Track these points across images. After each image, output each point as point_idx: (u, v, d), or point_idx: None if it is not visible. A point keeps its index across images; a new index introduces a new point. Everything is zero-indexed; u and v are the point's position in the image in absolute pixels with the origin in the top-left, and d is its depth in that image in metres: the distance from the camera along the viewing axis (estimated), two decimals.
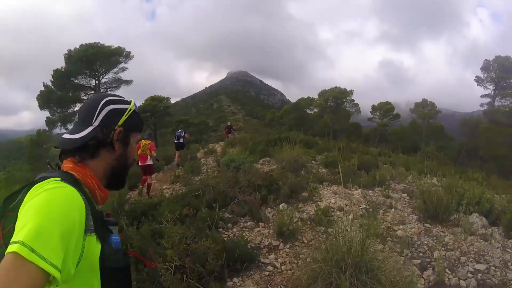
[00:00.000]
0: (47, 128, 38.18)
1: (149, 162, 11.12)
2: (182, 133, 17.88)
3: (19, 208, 1.09)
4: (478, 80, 55.51)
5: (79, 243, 1.09)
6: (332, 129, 59.11)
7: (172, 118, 52.61)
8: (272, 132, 24.61)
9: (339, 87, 63.35)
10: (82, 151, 1.30)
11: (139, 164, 10.86)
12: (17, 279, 0.90)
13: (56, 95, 35.44)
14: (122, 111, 1.37)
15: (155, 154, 11.41)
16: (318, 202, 8.02)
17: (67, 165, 1.29)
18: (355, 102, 63.68)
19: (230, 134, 29.14)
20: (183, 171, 13.63)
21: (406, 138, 55.78)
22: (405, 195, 8.94)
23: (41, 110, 36.01)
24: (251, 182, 8.29)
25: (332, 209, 7.46)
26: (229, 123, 34.27)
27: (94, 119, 1.32)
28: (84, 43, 38.03)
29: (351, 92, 62.70)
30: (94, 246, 1.17)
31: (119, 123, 1.35)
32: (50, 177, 1.17)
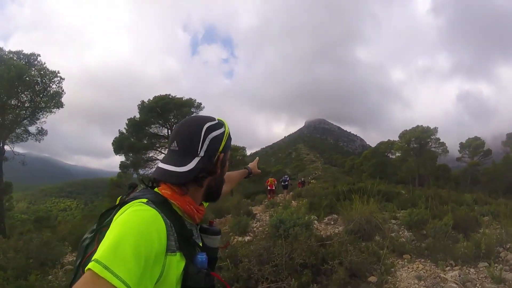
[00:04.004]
0: (116, 171, 40.24)
1: (273, 188, 23.28)
2: (288, 178, 25.94)
3: (111, 224, 1.14)
4: None
5: (159, 263, 1.11)
6: (418, 173, 54.43)
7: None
8: (344, 182, 22.25)
9: (421, 125, 58.58)
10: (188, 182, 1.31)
11: (268, 188, 23.20)
12: None
13: (128, 142, 36.65)
14: (221, 137, 1.39)
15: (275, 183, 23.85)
16: None
17: (164, 191, 1.29)
18: (441, 141, 58.30)
19: (302, 187, 30.50)
20: (228, 228, 11.42)
21: (501, 177, 49.86)
22: None
23: (116, 154, 37.59)
24: (292, 258, 5.79)
25: None
26: (302, 179, 38.67)
27: (199, 150, 1.32)
28: (156, 95, 39.10)
29: (435, 130, 57.62)
30: (175, 266, 1.17)
31: (220, 149, 1.38)
32: (138, 198, 1.21)
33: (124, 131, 37.63)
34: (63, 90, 31.08)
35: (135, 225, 1.08)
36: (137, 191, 1.33)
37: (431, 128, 57.49)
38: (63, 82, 30.99)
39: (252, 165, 2.55)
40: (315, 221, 10.88)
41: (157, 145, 39.10)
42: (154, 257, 1.07)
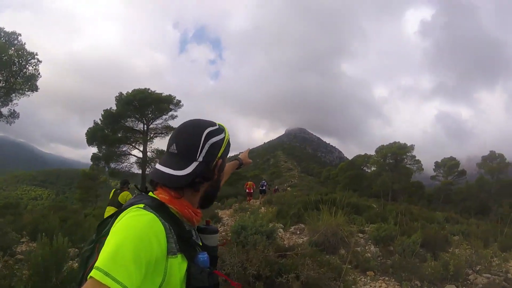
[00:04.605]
0: (91, 163, 39.23)
1: (251, 191, 25.26)
2: (265, 184, 27.64)
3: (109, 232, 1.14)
4: None
5: (160, 266, 1.11)
6: (392, 188, 54.77)
7: None
8: (317, 192, 22.10)
9: (398, 142, 59.17)
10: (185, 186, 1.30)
11: (247, 191, 25.53)
12: None
13: (101, 133, 35.56)
14: (221, 143, 1.38)
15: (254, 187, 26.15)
16: None
17: (162, 195, 1.29)
18: (417, 158, 58.94)
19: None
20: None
21: (473, 197, 50.99)
22: None
23: (88, 145, 36.35)
24: (246, 268, 5.32)
25: None
26: (276, 187, 40.50)
27: (198, 155, 1.31)
28: (135, 88, 38.04)
29: (412, 147, 58.21)
30: (178, 268, 1.17)
31: (218, 155, 1.37)
32: (135, 204, 1.21)
33: (99, 122, 36.48)
34: (39, 73, 29.84)
35: (133, 230, 1.08)
36: (133, 197, 1.33)
37: (408, 145, 58.13)
38: (39, 65, 29.80)
39: (243, 155, 2.46)
40: (281, 230, 10.50)
41: (132, 139, 37.90)
42: (155, 260, 1.07)
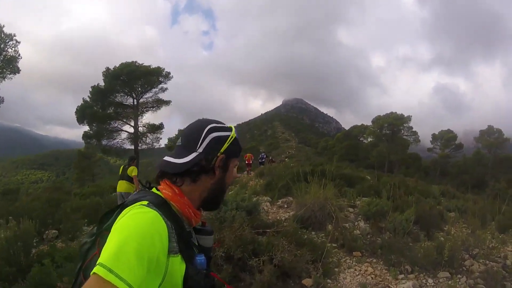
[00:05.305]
0: (83, 142, 38.31)
1: (250, 162, 26.18)
2: (264, 156, 30.59)
3: (111, 227, 1.14)
4: None
5: (162, 265, 1.11)
6: (388, 159, 54.32)
7: None
8: (310, 163, 21.41)
9: (395, 112, 58.47)
10: (183, 175, 1.32)
11: (247, 162, 25.97)
12: None
13: (90, 110, 34.79)
14: (224, 139, 1.38)
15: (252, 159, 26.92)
16: None
17: (165, 191, 1.30)
18: (414, 130, 58.44)
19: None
20: None
21: (470, 171, 50.91)
22: None
23: (79, 124, 35.84)
24: (214, 250, 4.70)
25: None
26: (271, 157, 38.92)
27: (198, 146, 1.34)
28: (123, 62, 37.04)
29: (409, 118, 57.64)
30: (178, 267, 1.18)
31: (221, 150, 1.37)
32: (139, 200, 1.20)
33: (88, 99, 35.59)
34: (19, 55, 29.25)
35: (136, 227, 1.08)
36: (137, 192, 1.32)
37: (405, 116, 57.57)
38: (18, 46, 29.20)
39: None
40: (268, 203, 9.97)
41: (122, 115, 37.03)
42: (157, 258, 1.07)
